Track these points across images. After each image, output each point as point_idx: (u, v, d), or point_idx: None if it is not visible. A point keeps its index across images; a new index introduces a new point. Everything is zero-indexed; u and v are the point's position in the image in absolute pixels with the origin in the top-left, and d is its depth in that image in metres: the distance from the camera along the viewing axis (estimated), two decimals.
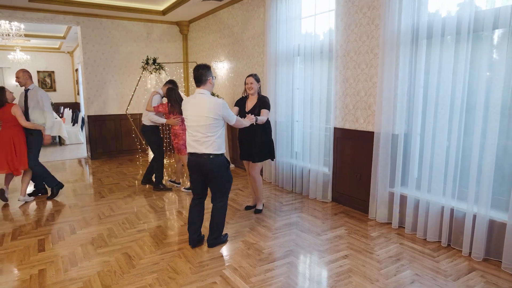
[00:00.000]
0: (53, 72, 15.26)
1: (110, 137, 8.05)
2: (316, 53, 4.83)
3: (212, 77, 3.37)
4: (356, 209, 4.51)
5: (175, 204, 4.83)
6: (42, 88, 14.92)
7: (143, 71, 7.21)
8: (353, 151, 4.51)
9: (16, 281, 2.95)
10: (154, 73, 7.18)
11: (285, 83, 5.41)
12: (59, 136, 9.86)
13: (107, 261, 3.25)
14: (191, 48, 8.67)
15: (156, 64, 7.09)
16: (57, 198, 5.14)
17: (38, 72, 14.87)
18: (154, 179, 5.59)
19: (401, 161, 3.91)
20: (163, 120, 5.28)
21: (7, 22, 8.12)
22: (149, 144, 5.59)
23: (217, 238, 3.55)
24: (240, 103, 4.30)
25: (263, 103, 4.14)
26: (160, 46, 8.46)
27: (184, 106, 3.39)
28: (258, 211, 4.44)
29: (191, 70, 8.61)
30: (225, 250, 3.48)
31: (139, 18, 7.97)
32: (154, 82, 7.36)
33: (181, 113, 5.12)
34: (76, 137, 10.03)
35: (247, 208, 4.58)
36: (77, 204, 4.88)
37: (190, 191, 5.48)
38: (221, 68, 7.32)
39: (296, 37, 5.24)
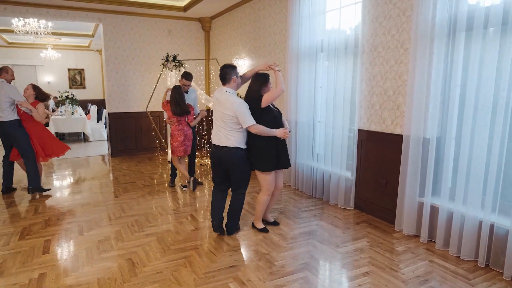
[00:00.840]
0: (83, 69, 15.54)
1: (130, 135, 7.99)
2: (340, 48, 4.48)
3: (237, 76, 3.54)
4: (380, 219, 4.14)
5: (189, 207, 4.62)
6: (72, 85, 15.32)
7: (163, 68, 7.07)
8: (379, 155, 4.14)
9: (14, 285, 2.81)
10: (174, 70, 7.03)
11: (307, 81, 5.09)
12: (84, 133, 9.94)
13: (110, 268, 3.06)
14: (213, 45, 8.47)
15: (176, 61, 6.94)
16: (71, 196, 5.07)
17: (68, 69, 15.19)
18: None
19: (433, 168, 3.52)
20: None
21: (36, 20, 8.24)
22: None
23: (235, 226, 3.78)
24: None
25: None
26: (181, 43, 8.32)
27: (213, 99, 3.69)
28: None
29: (212, 68, 8.42)
30: (234, 259, 3.21)
31: (160, 15, 7.85)
32: (174, 79, 7.19)
33: (176, 114, 4.99)
34: (100, 134, 10.08)
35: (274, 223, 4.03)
36: (89, 203, 4.78)
37: (186, 188, 5.36)
38: (242, 66, 7.06)
39: (320, 32, 4.90)
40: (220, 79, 3.59)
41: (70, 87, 15.03)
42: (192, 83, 5.38)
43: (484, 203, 3.11)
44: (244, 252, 3.37)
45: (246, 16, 6.80)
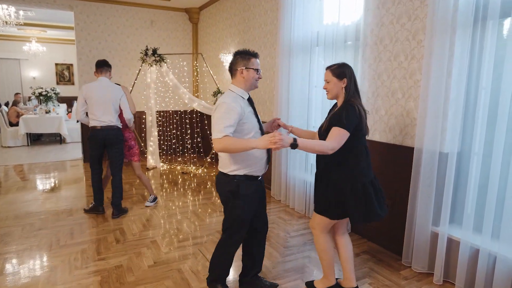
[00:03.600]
0: (71, 65, 14.73)
1: None
2: (339, 42, 3.74)
3: (244, 67, 2.31)
4: (385, 248, 3.41)
5: (154, 229, 3.86)
6: (60, 81, 14.53)
7: (142, 63, 6.34)
8: (384, 171, 3.40)
9: None
10: (155, 65, 6.30)
11: (300, 79, 4.35)
12: (60, 134, 9.16)
13: None
14: (201, 39, 7.72)
15: (156, 55, 6.20)
16: (12, 215, 4.31)
17: (56, 64, 14.39)
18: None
19: (451, 190, 2.79)
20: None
21: (4, 7, 7.47)
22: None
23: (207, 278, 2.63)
24: None
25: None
26: (166, 35, 7.56)
27: None
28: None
29: (197, 64, 7.67)
30: None
31: (141, 3, 7.09)
32: (154, 76, 6.46)
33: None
34: (79, 135, 9.28)
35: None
36: (33, 225, 3.92)
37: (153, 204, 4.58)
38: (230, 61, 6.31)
39: (315, 22, 4.17)
40: (229, 72, 2.48)
41: (58, 83, 14.23)
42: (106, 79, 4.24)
43: None
44: None
45: (235, 5, 6.05)
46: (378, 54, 3.38)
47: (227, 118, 2.20)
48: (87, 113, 4.14)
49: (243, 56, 2.34)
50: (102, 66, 4.19)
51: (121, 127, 4.19)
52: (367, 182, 2.37)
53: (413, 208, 3.05)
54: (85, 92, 4.06)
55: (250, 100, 2.42)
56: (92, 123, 4.06)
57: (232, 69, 2.38)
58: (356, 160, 2.36)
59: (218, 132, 2.18)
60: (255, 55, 2.37)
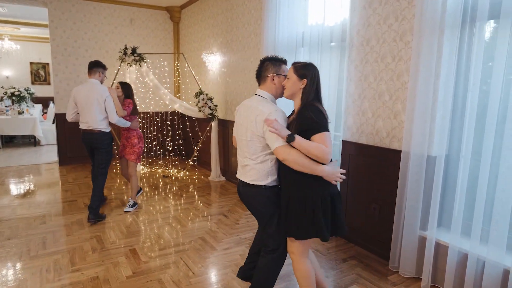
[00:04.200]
0: (47, 64, 14.23)
1: None
2: (324, 42, 3.67)
3: (276, 74, 2.26)
4: (372, 253, 3.35)
5: (134, 237, 3.69)
6: (35, 81, 14.03)
7: (121, 62, 6.12)
8: (371, 175, 3.34)
9: None
10: (134, 65, 6.09)
11: None
12: (34, 136, 8.79)
13: None
14: (183, 38, 7.54)
15: (136, 54, 5.99)
16: None
17: (31, 63, 13.88)
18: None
19: (439, 194, 2.74)
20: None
21: None
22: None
23: None
24: None
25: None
26: (146, 34, 7.35)
27: (237, 108, 2.45)
28: None
29: (178, 64, 7.49)
30: None
31: (121, 1, 6.87)
32: (134, 76, 6.25)
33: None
34: (54, 137, 8.94)
35: None
36: (2, 233, 3.66)
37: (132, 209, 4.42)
38: (213, 62, 6.18)
39: (300, 23, 4.08)
40: (256, 78, 2.39)
41: (33, 83, 13.73)
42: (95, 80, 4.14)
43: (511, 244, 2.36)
44: None
45: (218, 4, 5.92)
46: (364, 55, 3.32)
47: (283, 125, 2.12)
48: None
49: (274, 62, 2.29)
50: (91, 67, 4.12)
51: (107, 130, 4.10)
52: (335, 193, 2.18)
53: (400, 212, 3.00)
54: (74, 94, 4.05)
55: None
56: (80, 126, 4.10)
57: (262, 75, 2.31)
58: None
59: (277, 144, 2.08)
60: (285, 61, 2.36)
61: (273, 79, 2.26)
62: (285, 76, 2.26)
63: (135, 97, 4.72)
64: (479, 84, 2.54)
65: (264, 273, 2.37)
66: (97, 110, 3.96)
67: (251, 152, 2.23)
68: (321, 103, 2.18)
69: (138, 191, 4.64)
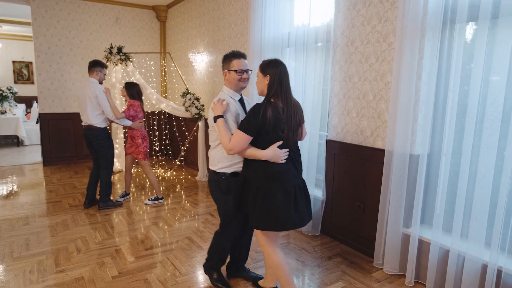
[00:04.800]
0: (30, 63, 13.97)
1: (69, 140, 6.82)
2: (310, 43, 3.71)
3: (227, 69, 2.43)
4: (357, 250, 3.40)
5: (120, 237, 3.67)
6: (18, 80, 13.76)
7: (106, 61, 6.06)
8: (355, 173, 3.40)
9: None
10: (120, 64, 6.04)
11: None
12: (17, 136, 8.63)
13: None
14: (169, 37, 7.51)
15: (121, 54, 5.95)
16: None
17: (13, 62, 13.60)
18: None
19: (422, 192, 2.81)
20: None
21: None
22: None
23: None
24: None
25: None
26: (132, 33, 7.28)
27: None
28: None
29: (164, 63, 7.46)
30: None
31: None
32: (120, 76, 6.20)
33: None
34: (38, 137, 8.80)
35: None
36: None
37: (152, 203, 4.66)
38: (199, 62, 6.18)
39: (286, 23, 4.12)
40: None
41: (16, 82, 13.46)
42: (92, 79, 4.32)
43: (490, 239, 2.43)
44: None
45: (204, 3, 5.92)
46: (349, 56, 3.37)
47: (229, 119, 2.33)
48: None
49: (226, 58, 2.44)
50: (89, 67, 4.32)
51: (102, 126, 4.24)
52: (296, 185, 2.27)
53: (384, 210, 3.05)
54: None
55: (241, 101, 2.49)
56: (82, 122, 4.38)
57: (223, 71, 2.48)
58: (268, 163, 2.21)
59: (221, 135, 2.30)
60: (236, 55, 2.41)
61: (225, 75, 2.44)
62: (234, 70, 2.39)
63: (143, 97, 4.84)
64: (459, 84, 2.61)
65: (212, 244, 2.71)
66: (89, 107, 4.14)
67: (211, 140, 2.48)
68: (284, 98, 2.20)
69: (126, 195, 4.75)
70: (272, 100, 2.21)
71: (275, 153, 2.17)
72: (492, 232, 2.40)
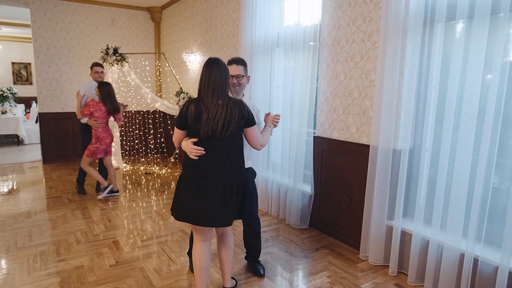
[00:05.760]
0: (29, 64, 14.08)
1: (67, 138, 6.95)
2: (298, 43, 3.82)
3: None
4: (343, 242, 3.52)
5: (117, 230, 3.79)
6: (17, 81, 13.85)
7: (103, 62, 6.18)
8: (342, 168, 3.51)
9: None
10: (116, 64, 6.16)
11: (262, 80, 4.40)
12: (17, 135, 8.76)
13: None
14: (163, 38, 7.62)
15: (117, 54, 6.06)
16: None
17: (12, 63, 13.70)
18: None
19: (404, 186, 2.92)
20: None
21: None
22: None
23: None
24: None
25: None
26: (127, 34, 7.40)
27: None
28: None
29: (158, 63, 7.57)
30: None
31: (102, 2, 6.92)
32: (116, 76, 6.32)
33: (111, 112, 4.70)
34: (37, 136, 8.92)
35: None
36: None
37: (113, 194, 4.93)
38: (193, 61, 6.29)
39: (276, 24, 4.24)
40: None
41: (15, 83, 13.56)
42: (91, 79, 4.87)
43: (467, 230, 2.54)
44: None
45: (198, 5, 6.03)
46: (335, 55, 3.49)
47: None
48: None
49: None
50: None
51: (82, 122, 4.74)
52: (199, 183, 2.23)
53: (369, 203, 3.17)
54: None
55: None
56: None
57: None
58: (187, 156, 2.28)
59: None
60: (229, 61, 2.64)
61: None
62: None
63: (118, 97, 4.95)
64: (439, 82, 2.73)
65: None
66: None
67: None
68: (210, 96, 2.20)
69: (107, 188, 4.83)
70: (200, 96, 2.25)
71: (186, 146, 2.26)
72: (468, 223, 2.51)
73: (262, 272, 2.92)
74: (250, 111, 2.31)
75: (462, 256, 2.55)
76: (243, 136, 2.36)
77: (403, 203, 2.96)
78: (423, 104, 2.93)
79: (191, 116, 2.20)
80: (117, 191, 4.96)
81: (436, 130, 2.78)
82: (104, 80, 4.94)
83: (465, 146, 2.51)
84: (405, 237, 2.97)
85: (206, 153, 2.21)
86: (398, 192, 2.95)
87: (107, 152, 4.77)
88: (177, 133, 2.33)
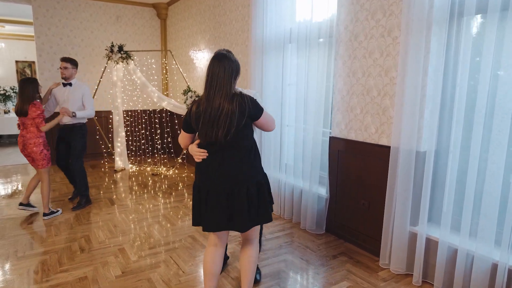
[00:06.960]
0: (33, 62, 13.97)
1: None
2: (312, 39, 3.64)
3: None
4: (362, 249, 3.35)
5: (123, 236, 3.64)
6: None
7: (108, 60, 6.04)
8: (360, 171, 3.34)
9: None
10: (121, 62, 6.01)
11: (273, 78, 4.22)
12: None
13: None
14: (170, 35, 7.45)
15: (122, 52, 5.91)
16: None
17: (16, 62, 13.60)
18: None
19: (429, 190, 2.74)
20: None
21: None
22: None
23: None
24: None
25: None
26: (133, 31, 7.24)
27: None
28: None
29: (165, 61, 7.41)
30: None
31: None
32: (121, 74, 6.16)
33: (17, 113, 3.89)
34: None
35: None
36: None
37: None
38: (200, 59, 6.12)
39: (288, 19, 4.05)
40: None
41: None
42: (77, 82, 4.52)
43: (500, 238, 2.37)
44: None
45: (205, 0, 5.85)
46: (352, 51, 3.30)
47: None
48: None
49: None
50: None
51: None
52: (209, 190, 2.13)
53: (390, 208, 2.99)
54: None
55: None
56: None
57: None
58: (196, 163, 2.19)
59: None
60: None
61: None
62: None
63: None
64: (467, 79, 2.53)
65: None
66: None
67: None
68: (207, 95, 2.06)
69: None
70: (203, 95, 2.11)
71: (191, 149, 2.19)
72: (502, 231, 2.34)
73: (258, 278, 2.79)
74: (251, 103, 2.06)
75: (494, 267, 2.38)
76: (251, 134, 2.19)
77: (428, 208, 2.78)
78: (449, 103, 2.75)
79: (192, 119, 2.08)
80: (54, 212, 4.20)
81: (464, 130, 2.59)
82: (69, 78, 4.49)
83: (497, 146, 2.33)
84: (430, 244, 2.79)
85: (209, 157, 2.10)
86: (423, 196, 2.77)
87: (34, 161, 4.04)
88: (181, 136, 2.22)
